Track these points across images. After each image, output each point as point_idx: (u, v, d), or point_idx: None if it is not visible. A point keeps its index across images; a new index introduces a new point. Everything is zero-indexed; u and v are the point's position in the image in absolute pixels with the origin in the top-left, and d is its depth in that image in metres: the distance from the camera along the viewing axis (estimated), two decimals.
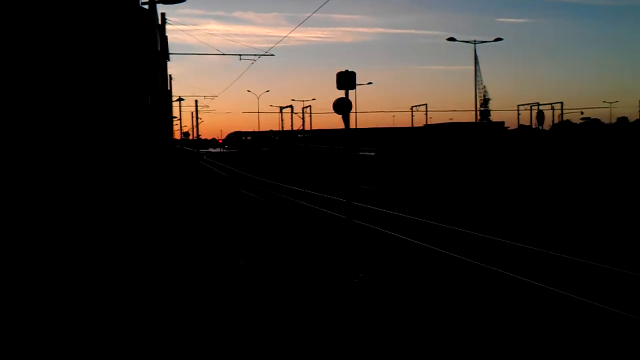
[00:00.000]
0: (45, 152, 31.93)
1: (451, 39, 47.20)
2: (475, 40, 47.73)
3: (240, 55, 40.17)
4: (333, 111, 15.00)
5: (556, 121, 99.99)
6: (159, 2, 15.04)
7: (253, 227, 18.46)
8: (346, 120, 14.77)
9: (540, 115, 54.04)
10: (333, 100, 14.76)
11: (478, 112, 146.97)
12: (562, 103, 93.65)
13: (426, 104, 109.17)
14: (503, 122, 78.45)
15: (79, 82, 34.51)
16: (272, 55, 42.00)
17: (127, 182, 31.01)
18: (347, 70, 14.65)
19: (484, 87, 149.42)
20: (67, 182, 31.54)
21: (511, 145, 58.18)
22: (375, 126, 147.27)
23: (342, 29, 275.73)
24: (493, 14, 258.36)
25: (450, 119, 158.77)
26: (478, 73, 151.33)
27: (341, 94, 15.30)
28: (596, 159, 44.08)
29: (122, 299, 10.24)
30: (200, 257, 13.71)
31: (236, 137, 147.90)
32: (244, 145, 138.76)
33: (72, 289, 10.86)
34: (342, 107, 14.65)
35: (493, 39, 48.74)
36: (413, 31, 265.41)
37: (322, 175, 43.72)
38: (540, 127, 57.73)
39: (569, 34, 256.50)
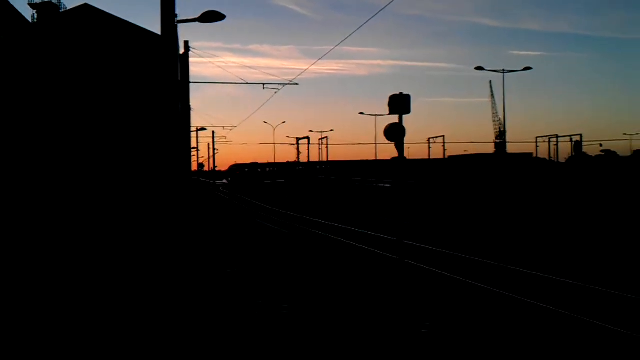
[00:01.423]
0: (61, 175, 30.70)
1: (479, 68, 45.92)
2: (504, 70, 46.43)
3: (264, 84, 39.07)
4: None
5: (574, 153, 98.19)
6: (196, 21, 13.75)
7: (285, 264, 16.95)
8: (400, 147, 13.33)
9: (578, 146, 52.23)
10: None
11: (494, 144, 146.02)
12: (580, 135, 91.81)
13: (443, 136, 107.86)
14: (531, 154, 76.36)
15: (101, 112, 33.54)
16: (296, 84, 40.69)
17: (148, 214, 29.69)
18: (401, 93, 13.23)
19: (500, 119, 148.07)
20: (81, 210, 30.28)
21: (538, 178, 56.28)
22: (390, 157, 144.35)
23: (356, 61, 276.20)
24: (507, 46, 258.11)
25: (465, 150, 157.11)
26: (494, 105, 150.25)
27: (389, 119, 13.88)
28: (604, 192, 42.38)
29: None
30: (241, 299, 12.19)
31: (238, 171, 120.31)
32: (245, 179, 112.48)
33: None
34: (395, 133, 13.21)
35: (522, 68, 47.48)
36: (426, 64, 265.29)
37: (331, 208, 42.21)
38: (584, 154, 55.46)
39: (587, 67, 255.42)
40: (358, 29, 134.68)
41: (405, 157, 13.53)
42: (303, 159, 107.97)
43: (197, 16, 13.89)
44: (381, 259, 17.69)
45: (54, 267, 15.83)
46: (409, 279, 14.13)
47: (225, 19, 13.66)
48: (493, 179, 51.04)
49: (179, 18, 14.63)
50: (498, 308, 11.65)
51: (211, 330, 9.98)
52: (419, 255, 18.16)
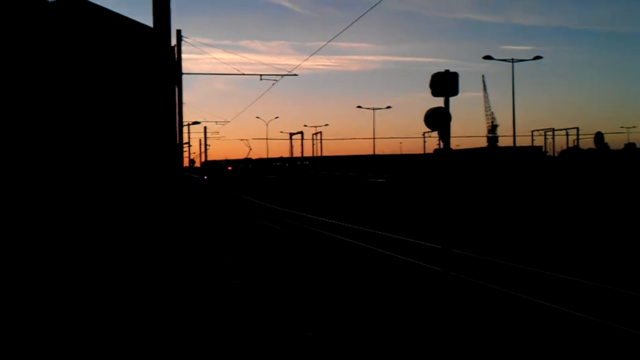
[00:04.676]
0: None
1: (488, 57, 43.77)
2: (512, 59, 44.29)
3: (261, 75, 36.62)
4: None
5: (572, 146, 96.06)
6: None
7: (300, 271, 14.70)
8: (445, 137, 11.08)
9: (599, 138, 49.85)
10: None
11: (487, 138, 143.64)
12: (577, 128, 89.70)
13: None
14: (541, 147, 74.21)
15: (90, 108, 31.02)
16: (295, 75, 38.49)
17: (139, 212, 27.29)
18: (447, 71, 10.98)
19: (492, 113, 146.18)
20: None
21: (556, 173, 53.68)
22: (382, 153, 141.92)
23: (348, 57, 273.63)
24: (497, 41, 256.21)
25: (458, 145, 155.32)
26: (487, 99, 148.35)
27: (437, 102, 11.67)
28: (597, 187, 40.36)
29: None
30: (255, 320, 9.91)
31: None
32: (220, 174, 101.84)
33: None
34: (439, 119, 10.95)
35: (532, 57, 45.34)
36: (418, 59, 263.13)
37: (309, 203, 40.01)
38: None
39: (580, 60, 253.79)
40: (351, 24, 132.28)
41: (451, 149, 11.28)
42: (297, 154, 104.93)
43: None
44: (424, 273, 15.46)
45: (46, 269, 13.54)
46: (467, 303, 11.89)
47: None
48: (514, 175, 48.58)
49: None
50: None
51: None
52: (468, 266, 15.69)
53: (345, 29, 69.91)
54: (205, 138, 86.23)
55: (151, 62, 32.17)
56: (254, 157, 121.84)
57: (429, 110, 11.03)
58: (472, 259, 16.46)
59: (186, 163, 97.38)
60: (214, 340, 9.04)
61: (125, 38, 32.15)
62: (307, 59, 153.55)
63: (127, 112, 31.45)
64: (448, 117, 10.97)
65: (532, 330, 9.77)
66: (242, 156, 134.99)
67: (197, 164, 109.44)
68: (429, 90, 11.10)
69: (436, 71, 11.09)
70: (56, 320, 10.06)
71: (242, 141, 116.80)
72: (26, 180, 27.05)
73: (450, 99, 11.19)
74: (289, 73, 37.82)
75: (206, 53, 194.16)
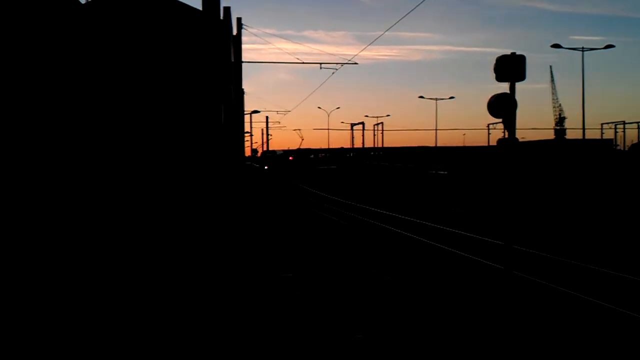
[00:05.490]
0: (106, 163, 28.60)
1: (556, 46, 41.86)
2: (582, 48, 42.21)
3: (320, 64, 36.14)
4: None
5: None
6: None
7: (353, 266, 14.13)
8: (510, 125, 10.24)
9: None
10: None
11: (555, 130, 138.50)
12: None
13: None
14: (611, 140, 70.95)
15: (150, 96, 31.08)
16: (355, 63, 37.93)
17: (198, 204, 27.27)
18: (513, 54, 10.14)
19: (560, 105, 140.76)
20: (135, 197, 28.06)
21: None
22: (444, 144, 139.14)
23: (410, 47, 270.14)
24: (565, 31, 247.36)
25: (523, 137, 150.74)
26: (554, 90, 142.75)
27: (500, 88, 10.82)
28: None
29: None
30: (307, 321, 9.40)
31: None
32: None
33: None
34: (503, 106, 10.13)
35: (604, 46, 43.13)
36: (481, 49, 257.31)
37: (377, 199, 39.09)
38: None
39: None
40: (409, 12, 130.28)
41: (517, 139, 10.44)
42: (358, 144, 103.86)
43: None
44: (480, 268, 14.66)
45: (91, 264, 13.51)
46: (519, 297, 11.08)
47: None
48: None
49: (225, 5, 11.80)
50: None
51: None
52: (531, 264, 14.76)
53: (403, 17, 68.67)
54: (267, 127, 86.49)
55: (202, 46, 31.76)
56: (313, 147, 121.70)
57: (492, 97, 10.21)
58: (536, 257, 15.52)
59: (248, 152, 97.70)
60: (250, 339, 8.60)
61: (183, 23, 31.98)
62: (364, 48, 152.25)
63: (183, 100, 31.25)
64: (514, 104, 10.13)
65: (601, 339, 8.92)
66: (297, 146, 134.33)
67: (259, 154, 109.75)
68: (493, 80, 10.28)
69: None
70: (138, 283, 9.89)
71: (294, 131, 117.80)
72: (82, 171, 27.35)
73: (516, 87, 10.33)
74: (349, 61, 37.14)
75: (269, 43, 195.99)
